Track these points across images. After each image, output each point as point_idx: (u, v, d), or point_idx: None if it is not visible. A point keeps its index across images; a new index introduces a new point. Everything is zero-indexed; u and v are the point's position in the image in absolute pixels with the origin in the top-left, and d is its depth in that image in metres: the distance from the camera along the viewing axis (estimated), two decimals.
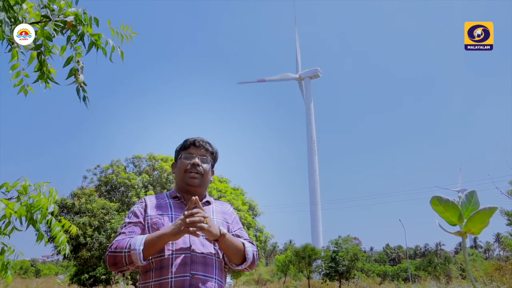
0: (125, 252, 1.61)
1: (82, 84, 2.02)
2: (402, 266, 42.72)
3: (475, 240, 71.14)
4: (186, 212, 1.61)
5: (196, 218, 1.58)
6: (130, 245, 1.61)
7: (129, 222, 1.79)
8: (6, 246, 2.09)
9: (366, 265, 40.63)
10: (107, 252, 1.68)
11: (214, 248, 1.77)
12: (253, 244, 1.87)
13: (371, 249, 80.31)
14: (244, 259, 1.77)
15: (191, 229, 1.58)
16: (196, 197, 1.65)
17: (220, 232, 1.67)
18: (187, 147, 1.94)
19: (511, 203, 12.26)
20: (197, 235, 1.62)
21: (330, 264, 25.78)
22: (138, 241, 1.62)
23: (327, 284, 26.70)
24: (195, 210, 1.62)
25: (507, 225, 13.23)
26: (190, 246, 1.71)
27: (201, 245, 1.74)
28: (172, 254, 1.68)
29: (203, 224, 1.59)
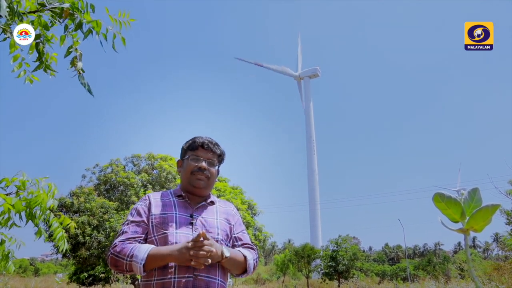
0: (127, 260, 1.62)
1: (81, 71, 2.01)
2: (401, 266, 42.73)
3: (474, 240, 71.26)
4: (189, 244, 1.59)
5: (200, 254, 1.57)
6: (133, 255, 1.62)
7: (132, 221, 1.78)
8: (6, 236, 2.08)
9: (365, 264, 40.66)
10: (109, 253, 1.68)
11: None
12: (253, 249, 1.88)
13: (370, 248, 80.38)
14: (245, 270, 1.80)
15: (192, 263, 1.57)
16: (204, 231, 1.63)
17: (222, 256, 1.66)
18: (195, 148, 1.91)
19: (510, 202, 12.28)
20: (201, 266, 1.61)
21: (330, 263, 25.80)
22: (141, 253, 1.61)
23: (327, 283, 26.72)
24: (201, 243, 1.59)
25: (506, 224, 13.27)
26: None
27: None
28: None
29: (206, 260, 1.58)
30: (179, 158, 2.01)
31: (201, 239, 1.59)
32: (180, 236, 1.71)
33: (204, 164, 1.87)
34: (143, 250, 1.63)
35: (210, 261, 1.60)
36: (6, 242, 2.08)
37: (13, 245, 2.13)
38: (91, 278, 22.19)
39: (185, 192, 1.90)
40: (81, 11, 1.91)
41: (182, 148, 1.98)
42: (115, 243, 1.69)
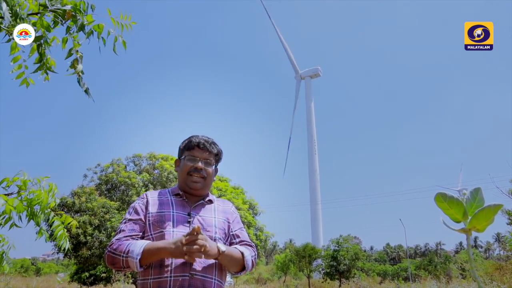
0: (123, 256, 1.62)
1: (81, 73, 2.01)
2: (402, 266, 42.71)
3: (475, 240, 71.13)
4: (184, 239, 1.57)
5: (194, 248, 1.55)
6: (128, 251, 1.61)
7: (130, 219, 1.78)
8: (1, 235, 2.08)
9: (366, 264, 40.61)
10: (106, 251, 1.68)
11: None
12: (252, 246, 1.87)
13: (371, 248, 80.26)
14: (243, 267, 1.78)
15: (186, 257, 1.56)
16: (199, 225, 1.61)
17: (219, 252, 1.65)
18: (191, 148, 1.89)
19: None
20: (194, 261, 1.60)
21: (331, 263, 25.78)
22: (137, 249, 1.61)
23: (328, 283, 26.69)
24: (194, 237, 1.57)
25: (507, 224, 13.24)
26: None
27: None
28: None
29: (199, 254, 1.56)
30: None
31: (196, 235, 1.58)
32: (177, 235, 1.70)
33: (200, 164, 1.86)
34: (138, 245, 1.62)
35: (203, 256, 1.58)
36: (0, 243, 2.09)
37: (5, 246, 2.13)
38: (92, 278, 22.21)
39: (182, 191, 1.89)
40: (82, 13, 1.91)
41: (179, 147, 1.97)
42: (112, 241, 1.69)
